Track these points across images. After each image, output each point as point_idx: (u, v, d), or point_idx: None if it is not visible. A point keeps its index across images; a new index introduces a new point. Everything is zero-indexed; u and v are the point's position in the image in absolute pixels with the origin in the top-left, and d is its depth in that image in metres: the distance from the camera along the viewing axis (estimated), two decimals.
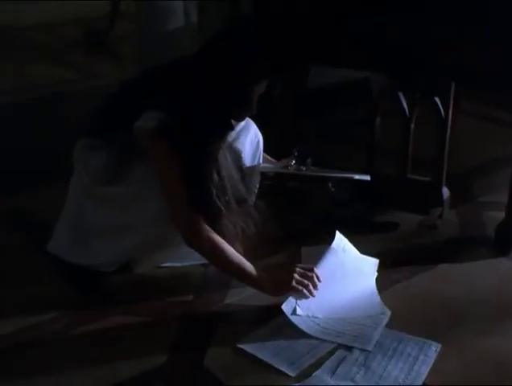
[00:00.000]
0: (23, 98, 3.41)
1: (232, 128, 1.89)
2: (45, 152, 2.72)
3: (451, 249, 2.18)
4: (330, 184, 2.07)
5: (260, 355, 1.67)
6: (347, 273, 1.93)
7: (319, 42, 2.21)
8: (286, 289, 1.82)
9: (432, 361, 1.68)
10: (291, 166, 2.14)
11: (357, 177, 2.05)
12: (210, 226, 1.84)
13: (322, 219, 2.30)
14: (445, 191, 2.30)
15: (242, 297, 1.86)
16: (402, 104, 2.25)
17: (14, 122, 3.12)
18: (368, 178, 2.08)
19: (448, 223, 2.30)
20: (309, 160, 2.13)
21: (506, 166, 2.49)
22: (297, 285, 1.82)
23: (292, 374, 1.62)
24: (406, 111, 2.26)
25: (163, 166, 1.81)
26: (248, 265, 1.84)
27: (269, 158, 2.21)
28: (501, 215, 2.21)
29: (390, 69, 2.17)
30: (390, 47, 2.10)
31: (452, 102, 2.20)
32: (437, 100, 2.19)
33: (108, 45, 4.14)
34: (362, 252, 2.09)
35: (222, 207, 1.83)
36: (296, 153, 2.10)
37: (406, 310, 1.89)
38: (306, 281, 1.83)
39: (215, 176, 1.82)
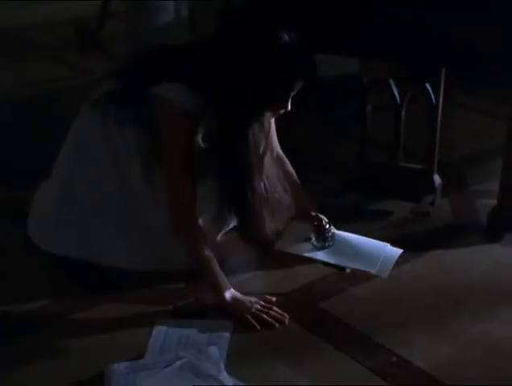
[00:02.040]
0: (17, 95, 3.41)
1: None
2: (39, 150, 2.71)
3: (444, 236, 2.18)
4: (347, 270, 1.90)
5: None
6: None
7: (311, 30, 2.20)
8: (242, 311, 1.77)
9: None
10: (310, 239, 1.94)
11: (373, 271, 1.84)
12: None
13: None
14: (437, 179, 2.31)
15: (234, 283, 1.85)
16: (392, 90, 2.25)
17: (10, 119, 3.12)
18: (385, 274, 1.84)
19: (441, 211, 2.30)
20: (331, 233, 1.95)
21: (497, 156, 2.50)
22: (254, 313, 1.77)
23: None
24: (397, 98, 2.26)
25: (174, 144, 1.76)
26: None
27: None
28: (493, 202, 2.22)
29: (380, 55, 2.17)
30: (382, 32, 2.10)
31: (442, 89, 2.20)
32: (428, 86, 2.19)
33: (99, 43, 4.15)
34: None
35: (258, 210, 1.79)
36: (316, 223, 1.95)
37: (399, 295, 1.89)
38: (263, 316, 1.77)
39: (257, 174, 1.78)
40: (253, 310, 1.77)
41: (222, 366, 1.60)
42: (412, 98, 2.29)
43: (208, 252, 1.81)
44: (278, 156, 2.03)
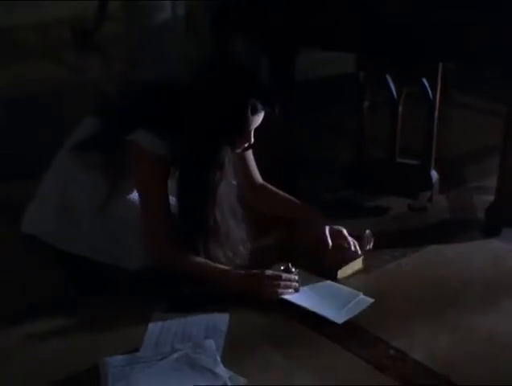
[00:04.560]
0: (14, 94, 3.42)
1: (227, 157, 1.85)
2: (34, 146, 2.71)
3: (441, 231, 2.18)
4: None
5: None
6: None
7: (309, 24, 2.20)
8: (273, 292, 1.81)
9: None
10: None
11: (330, 318, 1.75)
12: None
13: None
14: (434, 174, 2.30)
15: None
16: (389, 86, 2.24)
17: (5, 117, 3.15)
18: (340, 321, 1.74)
19: (438, 207, 2.30)
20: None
21: (495, 153, 2.50)
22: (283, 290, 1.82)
23: None
24: (394, 93, 2.25)
25: (148, 185, 1.85)
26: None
27: None
28: (490, 199, 2.22)
29: (378, 50, 2.17)
30: (380, 26, 2.10)
31: (439, 84, 2.20)
32: (425, 82, 2.19)
33: (96, 44, 4.17)
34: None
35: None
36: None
37: (397, 289, 1.89)
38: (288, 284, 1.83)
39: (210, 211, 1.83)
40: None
41: (218, 358, 1.58)
42: (409, 94, 2.29)
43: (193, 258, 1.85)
44: (259, 185, 2.08)
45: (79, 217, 1.93)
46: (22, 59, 4.00)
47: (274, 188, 2.10)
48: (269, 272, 1.84)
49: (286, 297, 1.82)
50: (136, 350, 1.62)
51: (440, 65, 2.17)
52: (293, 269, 1.88)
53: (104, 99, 2.06)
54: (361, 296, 1.84)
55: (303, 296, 1.83)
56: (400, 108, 2.27)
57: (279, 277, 1.83)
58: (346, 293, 1.85)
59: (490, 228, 2.16)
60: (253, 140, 1.86)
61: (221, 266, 1.86)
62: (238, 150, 1.92)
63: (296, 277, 1.86)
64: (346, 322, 1.74)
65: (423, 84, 2.19)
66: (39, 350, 1.66)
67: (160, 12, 3.39)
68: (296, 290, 1.84)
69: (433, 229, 2.19)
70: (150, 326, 1.71)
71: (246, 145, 1.88)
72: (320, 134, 2.88)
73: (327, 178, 2.46)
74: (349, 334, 1.71)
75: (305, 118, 2.76)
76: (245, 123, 1.79)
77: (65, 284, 1.91)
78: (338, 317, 1.76)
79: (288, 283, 1.83)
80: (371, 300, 1.83)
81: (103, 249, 1.92)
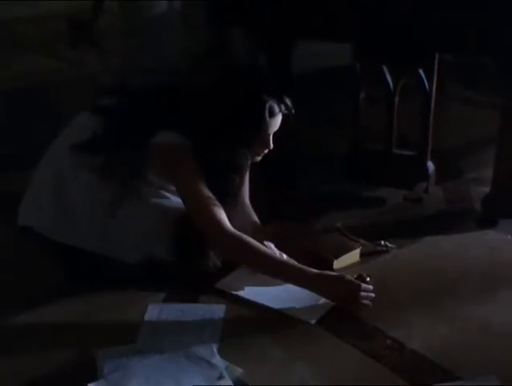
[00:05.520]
0: (12, 86, 3.44)
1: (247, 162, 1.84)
2: (31, 140, 2.70)
3: (438, 222, 2.18)
4: None
5: None
6: None
7: (303, 14, 2.20)
8: (350, 301, 1.74)
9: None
10: None
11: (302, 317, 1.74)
12: None
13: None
14: (430, 165, 2.31)
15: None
16: (386, 77, 2.24)
17: (3, 111, 3.18)
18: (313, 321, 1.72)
19: (434, 198, 2.31)
20: None
21: (491, 146, 2.50)
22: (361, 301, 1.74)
23: None
24: (391, 85, 2.25)
25: (187, 179, 1.79)
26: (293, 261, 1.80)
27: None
28: (486, 190, 2.22)
29: (375, 41, 2.16)
30: (375, 19, 2.10)
31: (435, 75, 2.20)
32: (422, 73, 2.19)
33: (92, 37, 4.18)
34: (350, 227, 2.09)
35: None
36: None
37: (395, 279, 1.89)
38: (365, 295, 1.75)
39: None
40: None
41: (215, 349, 1.58)
42: (405, 85, 2.29)
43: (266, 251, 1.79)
44: (245, 205, 2.01)
45: (78, 218, 1.90)
46: (21, 53, 4.01)
47: (254, 218, 2.03)
48: (348, 277, 1.75)
49: (253, 297, 1.78)
50: (133, 340, 1.63)
51: (437, 57, 2.17)
52: (368, 279, 1.81)
53: (102, 95, 2.01)
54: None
55: (271, 294, 1.79)
56: (396, 100, 2.28)
57: (359, 286, 1.74)
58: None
59: (486, 219, 2.16)
60: (272, 146, 1.84)
61: (290, 261, 1.80)
62: (258, 157, 1.89)
63: (371, 287, 1.77)
64: (342, 312, 1.74)
65: (420, 76, 2.19)
66: (38, 342, 1.66)
67: (156, 8, 3.39)
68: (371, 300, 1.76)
69: (429, 220, 2.20)
70: (147, 316, 1.72)
71: (266, 151, 1.86)
72: (317, 126, 2.88)
73: (323, 170, 2.46)
74: (346, 324, 1.71)
75: (301, 111, 2.76)
76: (263, 126, 1.78)
77: (63, 276, 1.90)
78: (310, 316, 1.73)
79: (365, 294, 1.74)
80: None
81: (102, 247, 1.90)
